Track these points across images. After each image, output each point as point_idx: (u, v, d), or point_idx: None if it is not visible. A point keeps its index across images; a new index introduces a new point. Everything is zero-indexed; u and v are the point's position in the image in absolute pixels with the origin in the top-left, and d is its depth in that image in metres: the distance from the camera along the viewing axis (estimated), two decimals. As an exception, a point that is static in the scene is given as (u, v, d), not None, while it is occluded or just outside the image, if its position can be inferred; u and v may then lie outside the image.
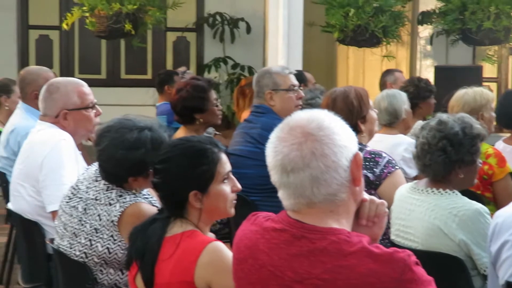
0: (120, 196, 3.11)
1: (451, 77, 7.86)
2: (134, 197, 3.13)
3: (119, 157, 3.07)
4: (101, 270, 3.14)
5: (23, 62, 11.94)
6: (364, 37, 8.19)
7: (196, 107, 4.82)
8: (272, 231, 2.07)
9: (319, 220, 2.03)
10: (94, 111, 3.97)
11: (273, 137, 2.08)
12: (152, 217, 2.74)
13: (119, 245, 3.08)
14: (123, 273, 3.14)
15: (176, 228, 2.66)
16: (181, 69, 8.37)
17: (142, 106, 10.74)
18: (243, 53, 11.69)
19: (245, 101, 7.34)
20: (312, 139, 2.01)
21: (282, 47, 8.39)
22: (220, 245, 2.60)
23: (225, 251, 2.58)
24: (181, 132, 4.89)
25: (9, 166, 5.07)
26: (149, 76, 12.14)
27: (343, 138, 2.04)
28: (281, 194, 2.08)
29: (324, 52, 11.98)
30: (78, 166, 3.81)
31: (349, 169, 2.03)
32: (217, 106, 4.93)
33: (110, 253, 3.09)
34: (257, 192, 4.50)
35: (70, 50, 12.06)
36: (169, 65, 12.16)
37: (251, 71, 11.50)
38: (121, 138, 3.10)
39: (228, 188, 2.74)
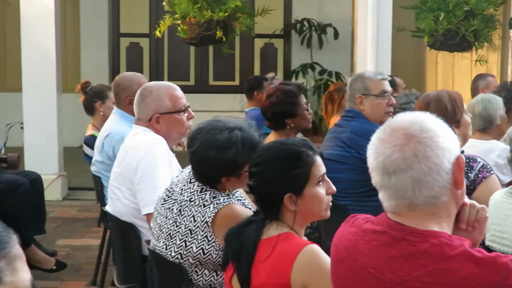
0: (214, 197, 3.14)
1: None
2: (228, 198, 3.16)
3: (211, 158, 3.10)
4: (196, 271, 3.18)
5: (114, 68, 12.23)
6: (455, 41, 8.06)
7: (287, 112, 4.85)
8: (371, 233, 2.07)
9: (420, 222, 2.01)
10: (186, 114, 4.02)
11: (375, 138, 2.08)
12: (247, 219, 2.77)
13: (213, 246, 3.12)
14: (217, 274, 3.18)
15: (272, 231, 2.67)
16: (270, 74, 8.42)
17: (229, 112, 10.84)
18: (330, 59, 11.69)
19: (333, 107, 7.33)
20: (415, 141, 2.00)
21: (371, 53, 8.34)
22: (316, 247, 2.60)
23: (321, 254, 2.58)
24: (272, 137, 4.91)
25: (104, 170, 5.20)
26: (236, 82, 12.27)
27: (446, 141, 2.02)
28: (381, 195, 2.07)
29: (412, 57, 11.85)
30: (171, 169, 3.87)
31: (451, 172, 2.01)
32: (307, 110, 4.94)
33: (204, 254, 3.12)
34: (347, 196, 4.48)
35: (160, 57, 12.29)
36: (257, 71, 12.26)
37: (338, 76, 11.49)
38: (212, 139, 3.13)
39: (323, 191, 2.74)
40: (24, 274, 1.49)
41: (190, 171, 3.29)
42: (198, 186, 3.21)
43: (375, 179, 2.06)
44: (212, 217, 3.09)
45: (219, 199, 3.13)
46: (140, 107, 4.04)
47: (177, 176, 3.40)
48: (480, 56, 8.92)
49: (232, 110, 11.08)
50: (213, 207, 3.11)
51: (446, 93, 4.05)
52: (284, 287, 2.56)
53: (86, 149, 5.94)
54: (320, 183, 2.74)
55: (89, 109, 6.12)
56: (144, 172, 3.82)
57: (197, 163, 3.20)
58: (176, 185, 3.33)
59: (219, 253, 3.11)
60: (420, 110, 3.96)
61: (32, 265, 5.40)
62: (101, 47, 12.15)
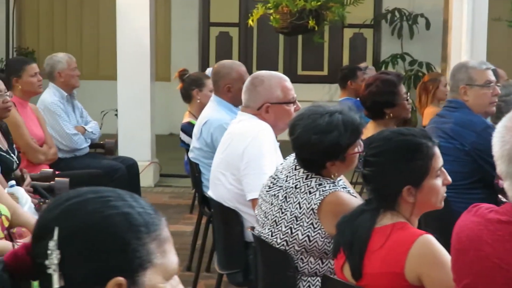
0: (320, 184, 3.15)
1: None
2: (333, 186, 3.16)
3: (314, 142, 3.10)
4: (301, 259, 3.19)
5: (204, 58, 12.35)
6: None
7: (386, 102, 4.81)
8: (496, 223, 2.04)
9: (548, 213, 1.98)
10: (294, 106, 4.04)
11: (500, 126, 2.04)
12: (360, 207, 2.75)
13: (319, 233, 3.12)
14: (323, 262, 3.18)
15: (386, 220, 2.65)
16: (363, 64, 8.37)
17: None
18: (421, 50, 11.54)
19: (428, 97, 7.26)
20: None
21: (466, 43, 8.19)
22: (431, 237, 2.58)
23: (437, 244, 2.56)
24: (370, 127, 4.88)
25: (202, 156, 5.25)
26: (325, 72, 12.23)
27: None
28: (506, 185, 2.04)
29: (506, 47, 11.58)
30: (277, 156, 3.90)
31: None
32: (407, 100, 4.89)
33: (310, 241, 3.13)
34: (449, 188, 4.41)
35: (249, 46, 12.34)
36: (345, 61, 12.19)
37: (429, 67, 11.33)
38: (314, 124, 3.14)
39: (440, 182, 2.71)
40: (173, 257, 1.50)
41: (294, 158, 3.30)
42: (303, 173, 3.22)
43: (501, 167, 2.03)
44: (318, 204, 3.10)
45: (324, 186, 3.13)
46: (250, 95, 4.06)
47: (282, 164, 3.42)
48: None
49: (321, 100, 11.05)
50: (319, 194, 3.12)
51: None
52: (398, 276, 2.55)
53: (183, 136, 6.01)
54: (439, 175, 2.71)
55: (186, 96, 6.20)
56: (251, 158, 3.86)
57: (300, 149, 3.20)
58: (281, 172, 3.34)
59: (325, 240, 3.11)
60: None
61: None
62: (191, 36, 12.27)
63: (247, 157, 3.88)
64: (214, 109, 5.22)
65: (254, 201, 3.72)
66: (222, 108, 5.19)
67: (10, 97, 4.87)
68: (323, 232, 3.11)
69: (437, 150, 2.70)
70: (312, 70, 12.20)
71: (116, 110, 8.75)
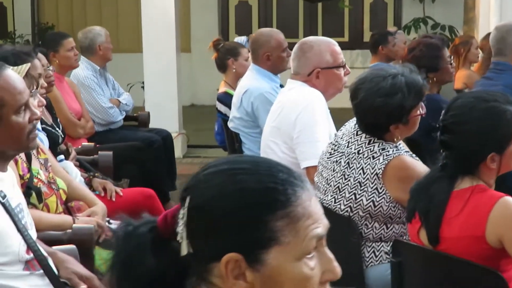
0: (383, 149, 3.12)
1: None
2: (397, 150, 3.14)
3: (378, 105, 3.07)
4: (366, 224, 3.17)
5: (223, 28, 12.28)
6: None
7: (430, 67, 4.74)
8: None
9: None
10: (344, 70, 4.00)
11: None
12: (435, 173, 2.71)
13: (383, 198, 3.10)
14: (387, 227, 3.16)
15: (465, 183, 2.62)
16: (392, 29, 8.29)
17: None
18: (443, 13, 11.43)
19: (459, 60, 7.19)
20: None
21: (494, 5, 8.09)
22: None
23: (517, 205, 2.53)
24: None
25: (242, 126, 5.23)
26: (345, 38, 12.15)
27: None
28: None
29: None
30: (329, 124, 3.87)
31: None
32: (451, 64, 4.83)
33: (375, 206, 3.11)
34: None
35: (268, 14, 12.27)
36: (366, 27, 12.11)
37: (452, 30, 11.23)
38: (377, 87, 3.10)
39: None
40: (310, 233, 1.40)
41: (355, 124, 3.27)
42: (365, 138, 3.19)
43: None
44: (382, 168, 3.07)
45: (388, 151, 3.11)
46: (300, 62, 4.02)
47: (341, 130, 3.39)
48: None
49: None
50: (383, 159, 3.09)
51: None
52: (479, 239, 2.52)
53: (219, 106, 5.98)
54: None
55: (222, 66, 6.15)
56: (304, 126, 3.83)
57: (364, 113, 3.17)
58: (341, 138, 3.31)
59: (390, 205, 3.10)
60: None
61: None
62: (211, 6, 12.19)
63: (299, 125, 3.85)
64: (253, 78, 5.18)
65: (308, 169, 3.70)
66: (262, 77, 5.15)
67: (52, 72, 4.85)
68: (388, 197, 3.09)
69: None
70: (333, 36, 11.94)
71: (143, 83, 8.72)
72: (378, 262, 3.20)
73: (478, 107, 2.64)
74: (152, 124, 7.27)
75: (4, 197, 2.48)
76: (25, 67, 3.07)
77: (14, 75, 2.55)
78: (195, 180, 1.45)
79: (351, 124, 3.32)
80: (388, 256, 3.15)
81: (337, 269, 1.44)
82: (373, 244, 3.20)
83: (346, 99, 3.31)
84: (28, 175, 3.22)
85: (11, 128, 2.50)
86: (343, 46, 12.02)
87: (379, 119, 3.12)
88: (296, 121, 3.86)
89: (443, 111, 2.75)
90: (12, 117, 2.50)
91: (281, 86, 5.15)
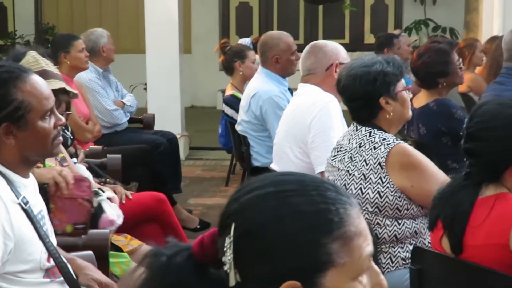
0: (384, 139, 3.17)
1: None
2: (397, 139, 3.19)
3: (360, 74, 3.19)
4: (378, 223, 3.16)
5: (224, 29, 12.26)
6: None
7: (440, 72, 4.74)
8: None
9: None
10: None
11: None
12: (460, 181, 2.70)
13: (388, 187, 3.12)
14: (399, 223, 3.16)
15: (489, 191, 2.62)
16: (396, 31, 8.30)
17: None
18: (444, 15, 11.43)
19: (464, 63, 7.16)
20: None
21: (498, 7, 8.10)
22: (536, 207, 2.55)
23: (542, 213, 2.53)
24: (423, 96, 4.83)
25: (250, 129, 5.22)
26: (346, 40, 12.14)
27: None
28: None
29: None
30: (343, 127, 3.87)
31: None
32: (460, 68, 4.82)
33: (381, 197, 3.12)
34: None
35: (269, 16, 12.26)
36: (367, 29, 12.10)
37: (453, 33, 11.24)
38: (356, 64, 3.26)
39: None
40: (363, 252, 1.37)
41: (353, 123, 3.31)
42: (366, 131, 3.23)
43: None
44: (385, 157, 3.11)
45: (389, 140, 3.16)
46: (317, 57, 4.07)
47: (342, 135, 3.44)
48: None
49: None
50: (384, 148, 3.13)
51: None
52: (503, 247, 2.51)
53: (226, 109, 5.98)
54: None
55: (229, 69, 6.14)
56: (319, 130, 3.84)
57: (350, 88, 3.24)
58: (342, 139, 3.36)
59: (395, 194, 3.12)
60: None
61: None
62: (211, 7, 12.18)
63: (314, 129, 3.85)
64: (262, 81, 5.18)
65: (323, 174, 3.70)
66: (271, 80, 5.15)
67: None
68: (392, 186, 3.12)
69: None
70: (334, 38, 12.01)
71: (145, 84, 8.69)
72: (394, 268, 3.20)
73: (504, 114, 2.64)
74: (155, 126, 7.25)
75: (26, 203, 2.46)
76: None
77: (40, 80, 2.53)
78: (239, 205, 1.38)
79: (350, 127, 3.36)
80: (404, 262, 3.15)
81: (384, 282, 1.42)
82: (390, 250, 3.19)
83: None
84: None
85: (37, 134, 2.48)
86: (344, 47, 12.06)
87: (367, 90, 3.18)
88: (311, 125, 3.86)
89: (465, 119, 2.74)
90: (38, 122, 2.48)
91: (289, 89, 5.15)
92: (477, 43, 7.40)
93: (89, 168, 4.54)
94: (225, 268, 1.36)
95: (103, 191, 3.59)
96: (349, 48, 11.67)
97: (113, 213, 3.48)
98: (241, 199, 1.39)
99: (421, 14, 11.55)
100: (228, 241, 1.35)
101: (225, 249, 1.35)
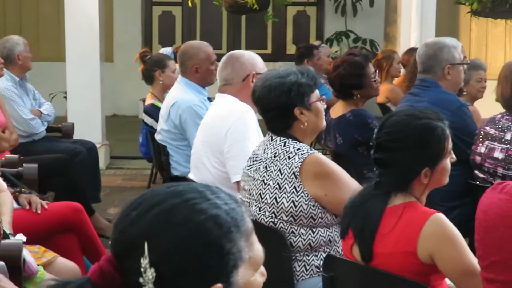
0: (298, 149, 3.19)
1: None
2: (311, 149, 3.23)
3: (275, 85, 3.21)
4: (293, 232, 3.19)
5: (147, 38, 12.21)
6: (504, 8, 8.00)
7: (355, 85, 4.82)
8: (527, 201, 2.08)
9: None
10: None
11: None
12: (370, 192, 2.76)
13: (302, 196, 3.15)
14: (313, 232, 3.19)
15: (397, 200, 2.68)
16: (316, 42, 8.41)
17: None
18: (364, 27, 11.64)
19: (382, 74, 7.32)
20: None
21: (416, 20, 8.30)
22: (443, 216, 2.61)
23: (448, 222, 2.59)
24: (340, 106, 4.92)
25: (170, 139, 5.21)
26: (269, 50, 12.23)
27: None
28: None
29: (447, 24, 11.79)
30: (259, 138, 3.89)
31: None
32: (375, 81, 4.91)
33: (296, 206, 3.15)
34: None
35: (192, 25, 12.26)
36: (289, 39, 12.21)
37: (373, 44, 11.45)
38: (271, 74, 3.28)
39: (448, 161, 2.76)
40: (258, 245, 1.46)
41: (268, 132, 3.34)
42: (280, 140, 3.26)
43: None
44: (299, 166, 3.14)
45: (303, 150, 3.19)
46: (234, 68, 4.08)
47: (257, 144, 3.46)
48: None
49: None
50: (298, 158, 3.16)
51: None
52: (411, 255, 2.57)
53: (146, 118, 5.95)
54: (449, 154, 2.75)
55: (149, 78, 6.12)
56: (234, 140, 3.85)
57: (265, 98, 3.26)
58: (258, 149, 3.38)
59: (309, 203, 3.14)
60: (505, 77, 3.99)
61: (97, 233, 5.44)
62: (134, 16, 12.11)
63: (230, 139, 3.87)
64: (182, 91, 5.17)
65: (239, 184, 3.71)
66: (190, 89, 5.15)
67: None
68: (306, 195, 3.14)
69: (448, 131, 2.74)
70: (256, 48, 12.17)
71: (65, 92, 8.58)
72: (308, 275, 3.23)
73: (411, 125, 2.71)
74: (75, 135, 7.17)
75: None
76: None
77: None
78: (146, 224, 1.38)
79: (266, 136, 3.39)
80: (318, 270, 3.18)
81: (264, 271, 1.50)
82: (304, 258, 3.22)
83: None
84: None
85: None
86: (267, 58, 12.15)
87: (281, 101, 3.20)
88: (227, 135, 3.87)
89: (376, 129, 2.80)
90: None
91: (209, 99, 5.16)
92: (394, 54, 7.56)
93: (4, 177, 4.47)
94: None
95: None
96: (271, 58, 11.89)
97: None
98: (144, 217, 1.39)
99: (342, 26, 11.73)
100: (144, 261, 1.35)
101: (142, 269, 1.34)
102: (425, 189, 2.72)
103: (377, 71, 5.04)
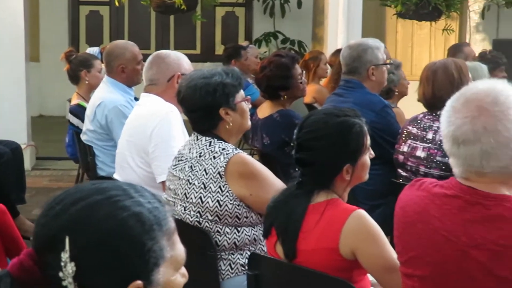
0: (223, 149, 3.21)
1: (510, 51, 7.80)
2: (236, 149, 3.24)
3: (200, 86, 3.22)
4: (218, 231, 3.20)
5: (74, 37, 12.06)
6: (426, 10, 8.17)
7: (281, 86, 4.86)
8: (443, 197, 2.13)
9: (491, 187, 2.08)
10: None
11: (449, 105, 2.13)
12: (293, 190, 2.79)
13: (227, 196, 3.16)
14: (238, 231, 3.21)
15: (320, 198, 2.71)
16: (244, 43, 8.43)
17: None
18: (293, 28, 11.72)
19: (309, 75, 7.37)
20: (486, 115, 2.05)
21: (342, 22, 8.40)
22: (364, 213, 2.66)
23: (369, 219, 2.64)
24: (267, 106, 4.95)
25: (96, 139, 5.16)
26: (197, 51, 12.22)
27: None
28: (451, 161, 2.14)
29: (373, 26, 11.97)
30: (184, 138, 3.89)
31: None
32: (301, 82, 4.95)
33: (220, 205, 3.16)
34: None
35: (120, 25, 12.17)
36: (218, 40, 12.21)
37: (301, 45, 11.54)
38: (196, 75, 3.30)
39: (367, 157, 2.81)
40: (180, 245, 1.47)
41: (193, 132, 3.34)
42: (206, 140, 3.27)
43: (446, 146, 2.12)
44: (224, 166, 3.15)
45: (228, 150, 3.20)
46: (160, 68, 4.07)
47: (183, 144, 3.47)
48: (447, 25, 9.06)
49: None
50: (224, 158, 3.18)
51: (452, 61, 4.14)
52: (333, 251, 2.61)
53: (72, 118, 5.88)
54: (368, 150, 2.80)
55: (74, 78, 6.05)
56: (159, 140, 3.84)
57: (190, 99, 3.26)
58: (183, 148, 3.39)
59: (234, 203, 3.16)
60: (427, 78, 4.06)
61: (21, 235, 5.35)
62: (61, 15, 11.95)
63: (155, 139, 3.86)
64: (107, 91, 5.13)
65: (164, 184, 3.70)
66: (116, 89, 5.11)
67: None
68: (231, 194, 3.16)
69: (366, 127, 2.80)
70: (185, 48, 12.14)
71: (-11, 92, 8.42)
72: (234, 274, 3.24)
73: (330, 123, 2.75)
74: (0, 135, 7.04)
75: None
76: None
77: None
78: (69, 218, 1.39)
79: (191, 136, 3.40)
80: (243, 268, 3.20)
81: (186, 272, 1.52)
82: (229, 257, 3.24)
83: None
84: None
85: None
86: (195, 58, 12.17)
87: (206, 101, 3.22)
88: (152, 135, 3.86)
89: (296, 129, 2.83)
90: None
91: (136, 99, 5.13)
92: (321, 55, 7.63)
93: None
94: (64, 283, 1.36)
95: None
96: (200, 59, 11.87)
97: None
98: (68, 212, 1.39)
99: (270, 27, 11.79)
100: (65, 255, 1.35)
101: (62, 263, 1.35)
102: (347, 186, 2.77)
103: (304, 72, 5.09)
